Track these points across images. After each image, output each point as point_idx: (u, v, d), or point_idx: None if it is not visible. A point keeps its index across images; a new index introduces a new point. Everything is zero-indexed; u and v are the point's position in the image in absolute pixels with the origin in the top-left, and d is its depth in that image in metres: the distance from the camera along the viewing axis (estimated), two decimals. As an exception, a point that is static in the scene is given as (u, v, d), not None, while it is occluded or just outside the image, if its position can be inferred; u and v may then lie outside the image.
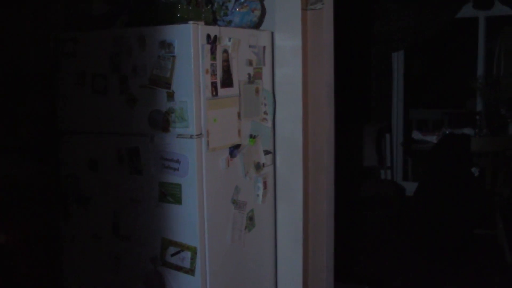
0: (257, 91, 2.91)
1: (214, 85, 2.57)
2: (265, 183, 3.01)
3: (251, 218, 2.92)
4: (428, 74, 7.20)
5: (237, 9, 2.82)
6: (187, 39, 2.44)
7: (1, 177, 2.97)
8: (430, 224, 4.65)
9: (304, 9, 3.04)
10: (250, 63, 2.85)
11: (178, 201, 2.55)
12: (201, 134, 2.51)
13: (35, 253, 1.29)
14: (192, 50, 2.44)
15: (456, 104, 6.68)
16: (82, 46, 2.77)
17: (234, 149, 2.75)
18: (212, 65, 2.55)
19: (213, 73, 2.56)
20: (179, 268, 2.60)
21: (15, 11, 3.20)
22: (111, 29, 2.82)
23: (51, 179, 2.97)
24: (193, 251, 2.55)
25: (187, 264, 2.57)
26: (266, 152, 3.01)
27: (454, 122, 5.78)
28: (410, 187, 5.97)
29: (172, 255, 2.60)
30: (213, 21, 2.79)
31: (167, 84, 2.50)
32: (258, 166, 2.96)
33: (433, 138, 5.07)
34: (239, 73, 2.76)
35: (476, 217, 4.65)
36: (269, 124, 3.03)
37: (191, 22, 2.46)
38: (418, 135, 5.28)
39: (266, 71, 2.99)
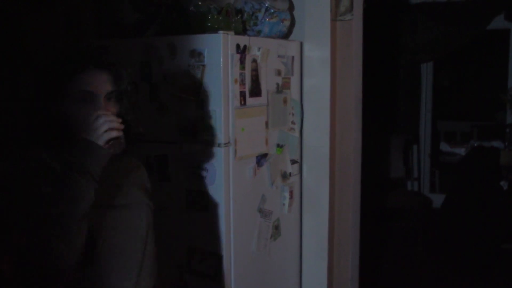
0: (285, 101, 2.92)
1: (242, 94, 2.59)
2: (291, 193, 3.02)
3: (276, 227, 2.92)
4: (457, 85, 7.14)
5: (267, 19, 2.84)
6: (217, 49, 2.46)
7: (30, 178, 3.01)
8: (457, 238, 4.59)
9: (334, 20, 3.04)
10: (278, 73, 2.86)
11: (205, 208, 2.56)
12: (229, 142, 2.53)
13: (20, 255, 1.46)
14: (221, 59, 2.46)
15: (485, 117, 6.61)
16: (113, 55, 2.81)
17: (261, 158, 2.76)
18: (241, 74, 2.57)
19: (242, 83, 2.58)
20: (204, 276, 2.61)
21: (48, 19, 3.26)
22: (142, 37, 2.86)
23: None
24: (219, 258, 2.56)
25: (212, 272, 2.58)
26: (293, 162, 3.02)
27: (483, 135, 5.72)
28: (437, 199, 5.90)
29: (198, 262, 2.62)
30: (243, 31, 2.81)
31: (197, 92, 2.52)
32: (285, 176, 2.96)
33: (461, 151, 5.03)
34: (268, 83, 2.77)
35: (504, 231, 4.58)
36: (297, 133, 3.04)
37: (221, 31, 2.48)
38: (446, 147, 5.23)
39: (294, 81, 3.00)
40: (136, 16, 3.01)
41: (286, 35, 3.01)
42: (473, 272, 4.49)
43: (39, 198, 1.52)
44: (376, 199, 5.38)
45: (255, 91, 2.68)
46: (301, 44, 3.05)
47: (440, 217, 5.05)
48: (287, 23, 2.93)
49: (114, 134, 1.55)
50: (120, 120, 1.58)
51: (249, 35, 2.79)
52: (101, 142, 1.53)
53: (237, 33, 2.65)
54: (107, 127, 1.53)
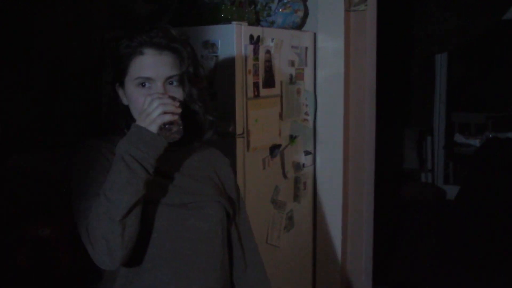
0: (298, 91, 2.91)
1: (256, 85, 2.58)
2: (304, 184, 3.01)
3: (290, 218, 2.92)
4: (471, 76, 7.08)
5: (280, 10, 2.83)
6: (230, 40, 2.46)
7: (45, 174, 3.04)
8: (471, 230, 4.57)
9: (347, 10, 3.03)
10: (292, 63, 2.85)
11: (218, 200, 2.56)
12: (242, 133, 2.52)
13: (77, 246, 1.34)
14: (235, 50, 2.46)
15: (500, 108, 6.55)
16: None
17: (274, 149, 2.76)
18: (254, 65, 2.56)
19: (255, 73, 2.58)
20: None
21: (60, 11, 3.27)
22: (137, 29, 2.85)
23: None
24: (232, 250, 2.56)
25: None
26: (307, 153, 3.01)
27: (498, 126, 5.67)
28: (452, 191, 5.86)
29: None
30: (256, 22, 2.81)
31: (210, 83, 2.52)
32: (298, 167, 2.96)
33: (476, 142, 5.00)
34: (281, 74, 2.76)
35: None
36: (310, 125, 3.03)
37: (234, 22, 2.48)
38: (461, 138, 5.20)
39: (308, 72, 2.99)
40: (149, 7, 3.00)
41: (299, 26, 2.99)
42: (486, 265, 4.46)
43: (89, 188, 1.41)
44: (390, 191, 5.36)
45: (269, 82, 2.68)
46: (315, 35, 3.04)
47: (454, 209, 5.02)
48: (300, 13, 2.92)
49: (168, 117, 1.39)
50: (177, 103, 1.43)
51: (262, 26, 2.78)
52: (154, 128, 1.37)
53: (250, 24, 2.64)
54: (161, 110, 1.37)
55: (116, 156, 1.37)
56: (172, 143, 1.45)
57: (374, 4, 3.14)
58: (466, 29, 6.07)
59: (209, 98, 1.67)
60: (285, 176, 2.85)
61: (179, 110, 1.42)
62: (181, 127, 1.43)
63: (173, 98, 1.45)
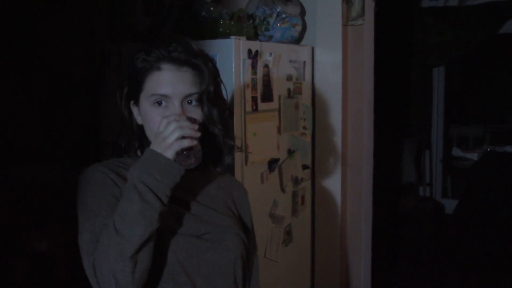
0: (296, 105, 2.92)
1: (254, 100, 2.59)
2: (303, 198, 3.01)
3: (288, 233, 2.92)
4: (469, 89, 7.10)
5: (278, 25, 2.84)
6: (229, 54, 2.47)
7: (44, 186, 3.04)
8: (470, 244, 4.56)
9: (345, 24, 3.04)
10: (290, 78, 2.86)
11: (216, 213, 2.55)
12: (241, 147, 2.53)
13: (74, 260, 1.28)
14: (233, 65, 2.46)
15: (498, 121, 6.57)
16: (126, 58, 2.83)
17: (272, 163, 2.76)
18: (252, 79, 2.57)
19: (254, 88, 2.58)
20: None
21: (62, 24, 3.28)
22: (154, 42, 2.86)
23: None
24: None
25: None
26: (305, 167, 3.01)
27: (496, 139, 5.68)
28: (450, 205, 5.86)
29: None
30: (255, 36, 2.82)
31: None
32: (296, 181, 2.96)
33: (473, 156, 5.00)
34: (279, 88, 2.77)
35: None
36: (308, 138, 3.03)
37: (233, 37, 2.49)
38: (458, 152, 5.21)
39: (306, 86, 3.00)
40: (148, 20, 3.02)
41: (297, 40, 3.00)
42: (485, 279, 4.45)
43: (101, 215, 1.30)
44: (388, 205, 5.35)
45: (267, 96, 2.68)
46: (313, 49, 3.05)
47: (452, 223, 5.02)
48: (298, 28, 2.93)
49: (186, 143, 1.25)
50: (196, 126, 1.29)
51: (260, 40, 2.79)
52: (170, 154, 1.25)
53: (248, 38, 2.65)
54: (178, 134, 1.25)
55: (128, 183, 1.26)
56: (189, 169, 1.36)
57: (372, 18, 3.16)
58: (464, 42, 6.09)
59: (230, 120, 1.53)
60: (283, 190, 2.85)
61: (198, 134, 1.29)
62: (200, 153, 1.30)
63: (192, 120, 1.32)
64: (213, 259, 1.39)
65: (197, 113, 1.38)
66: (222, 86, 1.49)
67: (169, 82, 1.36)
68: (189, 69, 1.38)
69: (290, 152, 2.89)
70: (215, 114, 1.42)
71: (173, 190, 1.28)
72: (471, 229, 4.53)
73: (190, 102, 1.38)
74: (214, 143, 1.45)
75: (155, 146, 1.27)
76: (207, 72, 1.39)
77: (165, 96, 1.36)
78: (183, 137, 1.26)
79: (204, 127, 1.39)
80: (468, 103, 7.03)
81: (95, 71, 2.97)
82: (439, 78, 6.56)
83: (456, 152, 5.23)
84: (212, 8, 2.70)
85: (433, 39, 6.20)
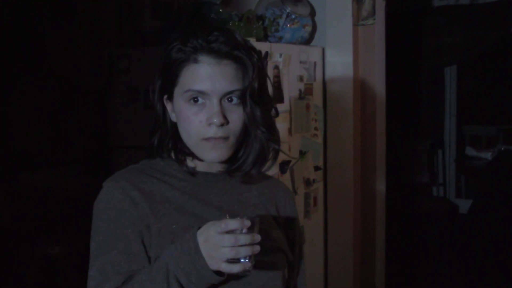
0: (307, 107, 2.89)
1: (264, 101, 2.56)
2: (315, 199, 2.98)
3: (300, 235, 2.89)
4: (482, 89, 7.04)
5: (288, 25, 2.82)
6: (238, 55, 2.44)
7: (54, 191, 3.03)
8: (484, 244, 4.51)
9: (356, 24, 3.02)
10: (300, 79, 2.84)
11: (228, 216, 2.54)
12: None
13: (86, 266, 1.26)
14: (243, 66, 2.44)
15: (511, 120, 6.50)
16: (135, 63, 2.82)
17: (284, 165, 2.74)
18: (263, 81, 2.54)
19: (264, 89, 2.56)
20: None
21: (70, 29, 3.28)
22: (163, 45, 2.85)
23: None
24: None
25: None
26: (316, 168, 2.99)
27: (509, 139, 5.61)
28: (464, 205, 5.80)
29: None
30: (264, 37, 2.80)
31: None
32: (308, 182, 2.93)
33: (487, 155, 4.94)
34: (290, 89, 2.75)
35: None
36: (320, 140, 3.01)
37: (242, 38, 2.46)
38: (472, 151, 5.15)
39: (316, 87, 2.97)
40: (157, 24, 3.01)
41: (307, 41, 2.98)
42: (499, 279, 4.40)
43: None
44: (401, 205, 5.31)
45: (277, 97, 2.66)
46: (323, 50, 3.03)
47: (466, 223, 4.96)
48: (308, 28, 2.91)
49: (237, 269, 1.08)
50: (258, 248, 1.08)
51: (270, 42, 2.77)
52: (215, 267, 1.08)
53: (258, 39, 2.63)
54: (232, 255, 1.06)
55: (161, 263, 1.12)
56: (228, 171, 1.27)
57: (383, 18, 3.13)
58: (476, 41, 6.05)
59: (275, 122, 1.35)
60: (295, 192, 2.83)
61: (256, 251, 1.08)
62: (252, 266, 1.09)
63: (253, 228, 1.09)
64: (252, 279, 1.22)
65: (238, 113, 1.23)
66: (268, 82, 1.32)
67: (207, 77, 1.20)
68: (230, 63, 1.22)
69: (302, 154, 2.86)
70: (259, 115, 1.25)
71: (210, 194, 1.25)
72: (485, 229, 4.47)
73: (230, 100, 1.22)
74: (257, 146, 1.29)
75: (202, 245, 1.09)
76: (251, 66, 1.23)
77: (202, 93, 1.21)
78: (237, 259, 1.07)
79: (246, 128, 1.26)
80: (481, 103, 6.97)
81: (103, 75, 2.96)
82: (451, 77, 6.51)
83: (470, 151, 5.17)
84: (221, 10, 2.69)
85: (445, 39, 6.16)
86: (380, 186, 3.20)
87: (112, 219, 1.22)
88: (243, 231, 1.07)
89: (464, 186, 6.44)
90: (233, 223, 1.06)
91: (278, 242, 1.31)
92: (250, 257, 1.08)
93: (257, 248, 1.08)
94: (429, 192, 6.20)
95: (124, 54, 2.85)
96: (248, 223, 1.07)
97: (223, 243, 1.06)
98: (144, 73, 2.78)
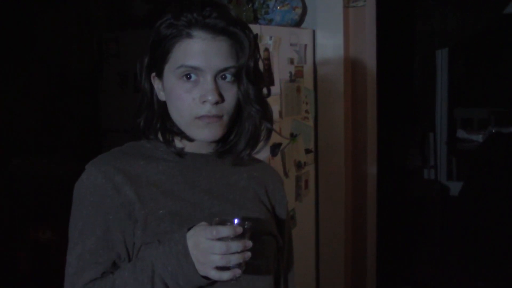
0: (298, 89, 2.89)
1: (255, 84, 2.56)
2: (306, 182, 2.99)
3: (292, 218, 2.90)
4: (473, 71, 7.05)
5: (278, 8, 2.81)
6: (228, 38, 2.43)
7: (45, 176, 3.03)
8: (475, 226, 4.54)
9: (346, 6, 3.00)
10: (291, 61, 2.83)
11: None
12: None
13: None
14: (233, 49, 2.43)
15: (502, 102, 6.52)
16: (124, 46, 2.80)
17: (275, 148, 2.73)
18: (253, 63, 2.53)
19: (254, 72, 2.55)
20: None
21: (59, 13, 3.26)
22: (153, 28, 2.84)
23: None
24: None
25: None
26: (307, 151, 2.99)
27: (500, 121, 5.64)
28: (455, 187, 5.84)
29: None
30: (254, 20, 2.78)
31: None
32: (299, 165, 2.93)
33: (478, 137, 4.97)
34: (280, 72, 2.74)
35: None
36: (311, 123, 3.01)
37: (232, 20, 2.45)
38: (463, 133, 5.18)
39: (307, 70, 2.96)
40: (147, 7, 2.99)
41: (298, 23, 2.97)
42: (490, 261, 4.44)
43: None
44: (393, 188, 5.34)
45: (268, 80, 2.65)
46: (314, 32, 3.01)
47: (457, 205, 5.00)
48: (298, 11, 2.89)
49: (227, 277, 1.05)
50: (248, 254, 1.06)
51: (260, 24, 2.76)
52: (202, 272, 1.07)
53: (248, 22, 2.61)
54: (220, 264, 1.04)
55: (147, 263, 1.10)
56: (218, 153, 1.24)
57: (373, 0, 3.12)
58: (466, 24, 6.04)
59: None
60: (286, 175, 2.83)
61: (247, 257, 1.06)
62: (241, 272, 1.07)
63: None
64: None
65: (232, 91, 1.19)
66: (260, 62, 1.27)
67: (201, 53, 1.15)
68: (226, 39, 1.17)
69: (293, 136, 2.86)
70: (252, 93, 1.22)
71: (197, 178, 1.22)
72: (476, 211, 4.51)
73: (224, 77, 1.18)
74: (250, 126, 1.25)
75: (192, 249, 1.06)
76: (247, 44, 1.18)
77: (195, 69, 1.15)
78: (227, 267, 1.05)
79: (239, 107, 1.22)
80: (472, 86, 6.98)
81: (93, 60, 2.95)
82: (443, 60, 6.51)
83: (461, 134, 5.20)
84: (210, -8, 2.66)
85: (436, 22, 6.15)
86: (371, 169, 3.21)
87: (93, 204, 1.17)
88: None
89: (455, 168, 6.47)
90: (224, 231, 1.03)
91: (267, 226, 1.30)
92: (240, 264, 1.05)
93: (248, 255, 1.05)
94: (420, 175, 6.23)
95: (113, 38, 2.83)
96: (240, 229, 1.04)
97: (213, 250, 1.03)
98: (133, 57, 2.77)
